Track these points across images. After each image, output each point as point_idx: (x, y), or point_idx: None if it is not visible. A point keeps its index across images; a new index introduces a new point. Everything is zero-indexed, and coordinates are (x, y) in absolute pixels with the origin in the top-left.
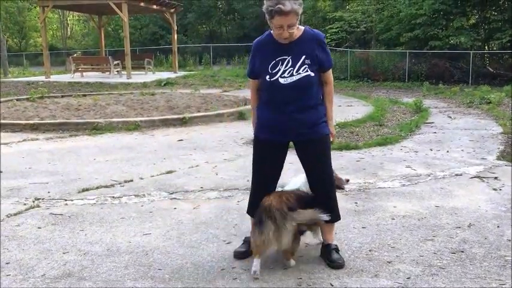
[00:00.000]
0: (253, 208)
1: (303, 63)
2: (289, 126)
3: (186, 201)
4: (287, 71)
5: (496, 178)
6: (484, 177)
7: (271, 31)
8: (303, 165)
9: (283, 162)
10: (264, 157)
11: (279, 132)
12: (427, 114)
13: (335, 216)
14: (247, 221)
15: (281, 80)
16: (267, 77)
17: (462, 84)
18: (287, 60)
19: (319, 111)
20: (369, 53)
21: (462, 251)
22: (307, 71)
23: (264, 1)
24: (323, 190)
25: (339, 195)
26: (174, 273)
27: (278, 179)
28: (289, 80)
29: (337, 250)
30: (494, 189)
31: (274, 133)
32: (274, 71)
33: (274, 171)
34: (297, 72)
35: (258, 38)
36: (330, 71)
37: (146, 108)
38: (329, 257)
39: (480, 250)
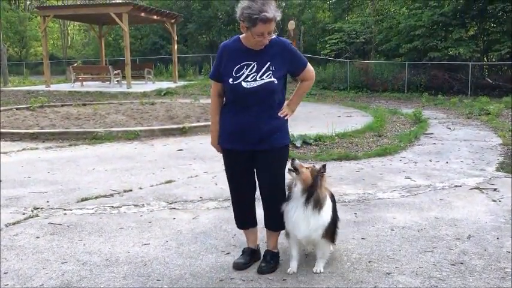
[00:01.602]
0: (240, 221)
1: (268, 70)
2: (249, 132)
3: (185, 211)
4: (251, 76)
5: (495, 189)
6: (483, 189)
7: (240, 36)
8: (256, 172)
9: (252, 169)
10: (232, 166)
11: (240, 141)
12: (426, 125)
13: (279, 226)
14: None
15: (244, 84)
16: (230, 80)
17: (461, 95)
18: (252, 65)
19: (280, 120)
20: (368, 64)
21: (462, 263)
22: (270, 77)
23: (239, 8)
24: (273, 200)
25: (339, 205)
26: (173, 283)
27: (255, 186)
28: (252, 84)
29: (271, 256)
30: (494, 201)
31: (236, 142)
32: (238, 75)
33: (246, 179)
34: (260, 77)
35: (225, 42)
36: (307, 68)
37: (146, 118)
38: (261, 261)
39: (480, 262)
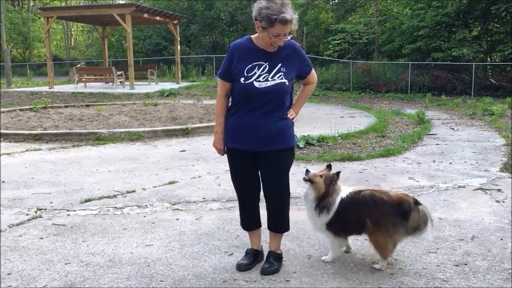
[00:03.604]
0: (245, 222)
1: (279, 71)
2: (257, 132)
3: (188, 212)
4: (262, 76)
5: (499, 190)
6: (487, 189)
7: (252, 36)
8: (260, 174)
9: (257, 170)
10: (236, 167)
11: (246, 141)
12: (429, 125)
13: (283, 228)
14: None
15: (256, 84)
16: (242, 79)
17: (464, 96)
18: (264, 65)
19: (288, 122)
20: (371, 65)
21: (465, 264)
22: (282, 78)
23: (257, 8)
24: (277, 202)
25: None
26: (176, 284)
27: (259, 188)
28: (264, 85)
29: (275, 257)
30: (498, 202)
31: (242, 142)
32: (249, 74)
33: (250, 179)
34: (272, 78)
35: (236, 41)
36: (312, 71)
37: (149, 119)
38: (264, 262)
39: (483, 263)
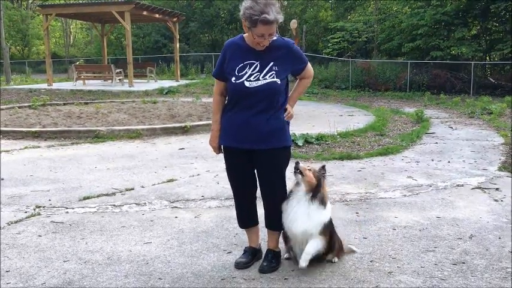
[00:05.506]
0: (241, 220)
1: (271, 70)
2: (249, 131)
3: (187, 210)
4: (253, 75)
5: (497, 189)
6: (485, 188)
7: (244, 35)
8: (257, 172)
9: (253, 169)
10: (232, 165)
11: (239, 139)
12: (428, 124)
13: (281, 226)
14: None
15: (246, 84)
16: (233, 79)
17: (463, 95)
18: (255, 64)
19: (282, 121)
20: (370, 63)
21: (463, 263)
22: (273, 77)
23: (243, 7)
24: (274, 200)
25: (340, 205)
26: (175, 282)
27: (255, 186)
28: (255, 84)
29: (273, 255)
30: (496, 200)
31: (235, 140)
32: (240, 74)
33: (245, 177)
34: (263, 77)
35: (230, 39)
36: (307, 67)
37: (148, 117)
38: (262, 260)
39: (482, 262)
